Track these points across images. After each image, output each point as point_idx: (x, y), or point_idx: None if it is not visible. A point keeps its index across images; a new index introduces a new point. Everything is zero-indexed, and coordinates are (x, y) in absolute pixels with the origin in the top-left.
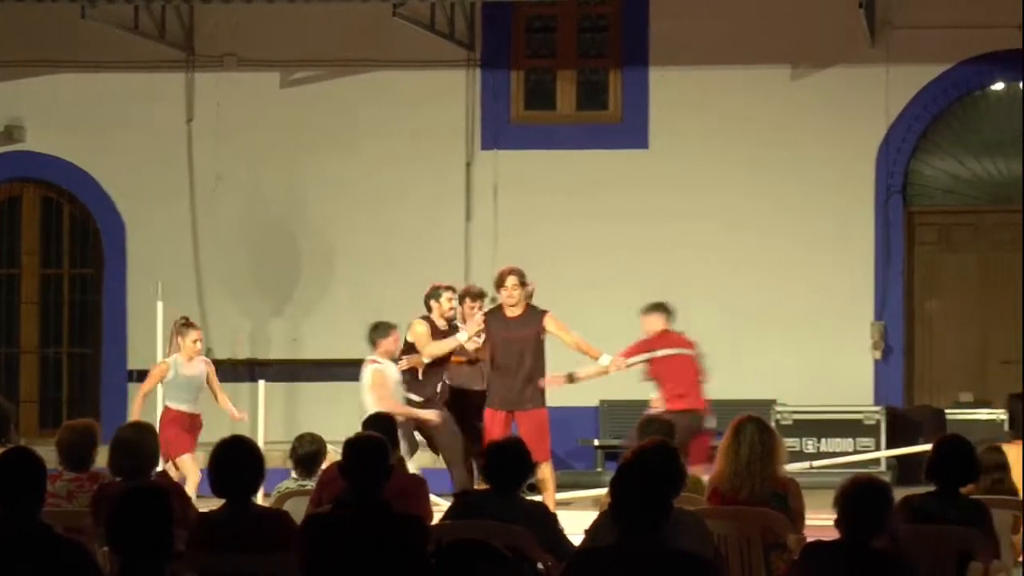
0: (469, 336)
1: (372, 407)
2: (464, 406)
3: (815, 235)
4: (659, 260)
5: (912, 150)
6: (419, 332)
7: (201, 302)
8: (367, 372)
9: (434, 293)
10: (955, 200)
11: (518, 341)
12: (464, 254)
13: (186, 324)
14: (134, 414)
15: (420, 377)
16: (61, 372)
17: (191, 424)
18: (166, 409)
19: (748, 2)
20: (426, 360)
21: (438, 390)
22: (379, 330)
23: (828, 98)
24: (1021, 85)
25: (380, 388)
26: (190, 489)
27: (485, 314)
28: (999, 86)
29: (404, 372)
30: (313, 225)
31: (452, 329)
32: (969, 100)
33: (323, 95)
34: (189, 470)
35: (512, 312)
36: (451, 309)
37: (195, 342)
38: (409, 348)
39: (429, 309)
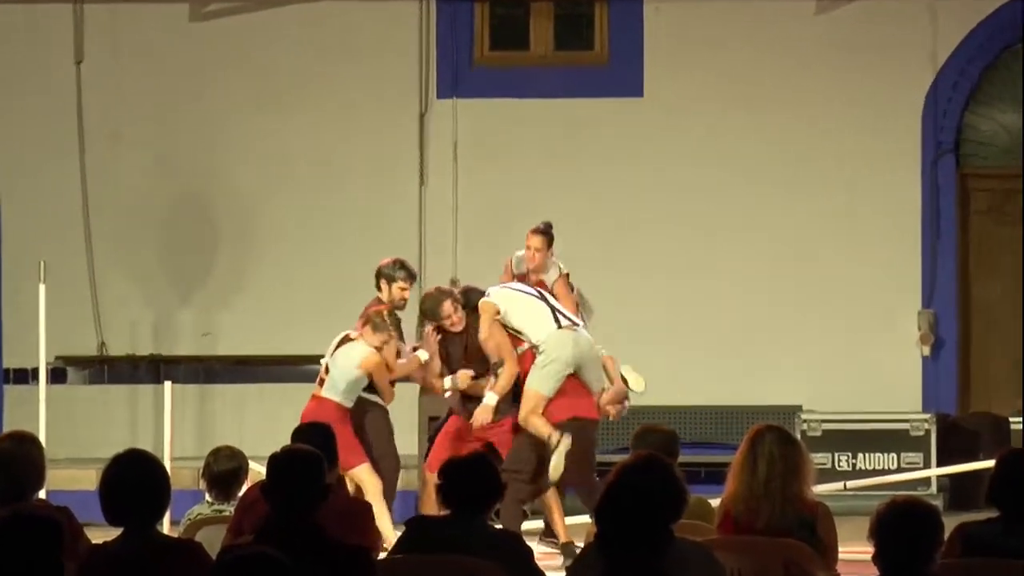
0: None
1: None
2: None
3: (847, 204)
4: (655, 235)
5: (965, 100)
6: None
7: (93, 287)
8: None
9: (389, 271)
10: (1018, 161)
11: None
12: (418, 227)
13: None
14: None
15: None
16: None
17: None
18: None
19: None
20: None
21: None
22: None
23: (862, 37)
24: None
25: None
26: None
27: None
28: None
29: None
30: (232, 194)
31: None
32: None
33: (244, 32)
34: None
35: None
36: (403, 299)
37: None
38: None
39: (379, 289)
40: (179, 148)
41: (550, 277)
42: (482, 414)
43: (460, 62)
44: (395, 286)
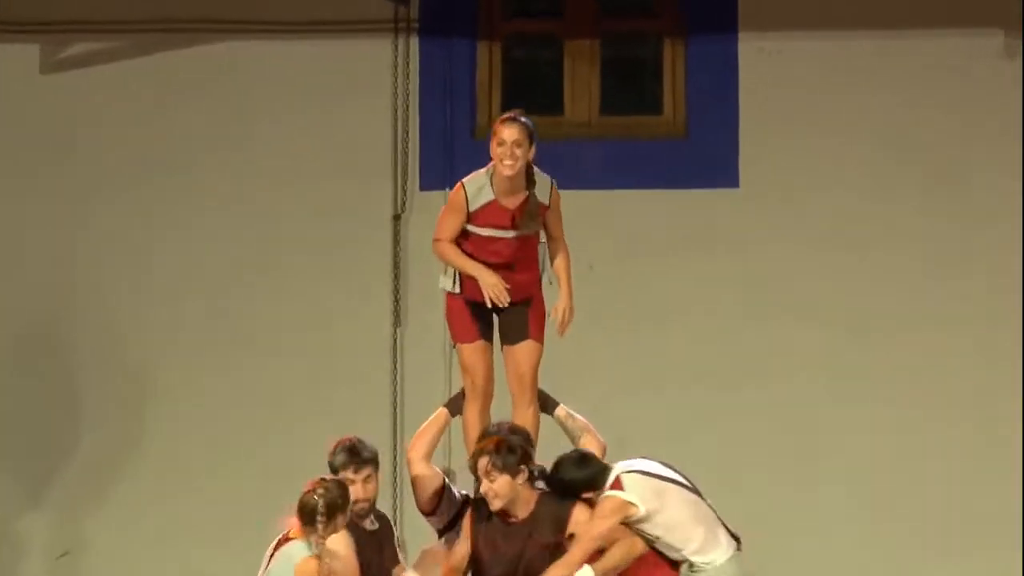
0: None
1: None
2: None
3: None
4: (751, 394)
5: None
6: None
7: None
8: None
9: (331, 458)
10: None
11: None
12: (392, 381)
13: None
14: None
15: None
16: None
17: None
18: None
19: None
20: None
21: None
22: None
23: None
24: None
25: None
26: None
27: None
28: None
29: None
30: (108, 330)
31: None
32: None
33: (130, 86)
34: None
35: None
36: (355, 496)
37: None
38: None
39: None
40: (30, 257)
41: (542, 194)
42: None
43: (457, 133)
44: (341, 476)
